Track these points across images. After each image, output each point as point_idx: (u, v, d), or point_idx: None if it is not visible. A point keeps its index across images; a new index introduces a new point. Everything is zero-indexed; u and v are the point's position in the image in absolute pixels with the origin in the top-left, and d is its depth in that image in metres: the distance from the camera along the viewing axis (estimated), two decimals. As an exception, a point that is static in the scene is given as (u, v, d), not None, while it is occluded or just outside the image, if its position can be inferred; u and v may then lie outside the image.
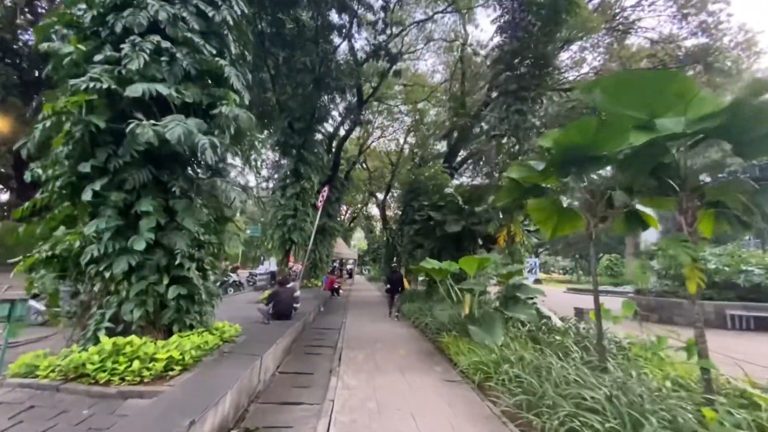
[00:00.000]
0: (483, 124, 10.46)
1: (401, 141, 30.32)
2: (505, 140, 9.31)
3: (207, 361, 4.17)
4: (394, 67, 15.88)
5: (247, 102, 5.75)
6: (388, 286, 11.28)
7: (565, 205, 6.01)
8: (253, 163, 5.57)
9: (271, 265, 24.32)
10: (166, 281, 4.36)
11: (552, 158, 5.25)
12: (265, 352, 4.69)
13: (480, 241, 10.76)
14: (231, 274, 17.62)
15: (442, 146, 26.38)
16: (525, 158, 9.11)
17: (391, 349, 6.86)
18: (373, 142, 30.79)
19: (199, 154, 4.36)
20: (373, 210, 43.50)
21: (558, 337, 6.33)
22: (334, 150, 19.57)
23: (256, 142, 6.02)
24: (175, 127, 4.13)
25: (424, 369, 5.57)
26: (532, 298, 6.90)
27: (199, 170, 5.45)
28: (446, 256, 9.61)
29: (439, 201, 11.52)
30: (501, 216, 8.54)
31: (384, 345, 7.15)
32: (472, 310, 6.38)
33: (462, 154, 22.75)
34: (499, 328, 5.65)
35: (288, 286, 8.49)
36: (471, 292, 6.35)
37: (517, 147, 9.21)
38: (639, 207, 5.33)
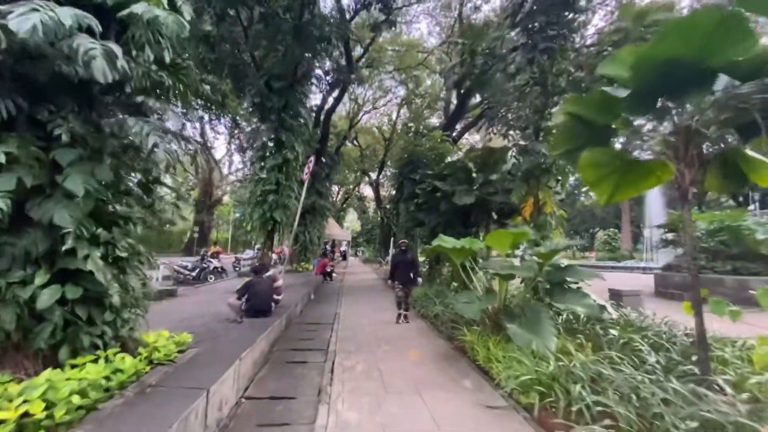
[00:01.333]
0: (510, 67, 8.65)
1: (394, 116, 28.48)
2: (528, 90, 7.60)
3: (107, 409, 2.51)
4: (390, 18, 13.83)
5: (188, 16, 3.96)
6: (394, 276, 7.36)
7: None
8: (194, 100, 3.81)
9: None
10: (40, 279, 2.67)
11: (633, 86, 3.64)
12: (216, 380, 3.09)
13: (494, 215, 9.16)
14: (212, 259, 15.87)
15: (439, 117, 24.66)
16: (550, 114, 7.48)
17: (398, 351, 5.35)
18: (363, 115, 28.84)
19: (81, 65, 2.59)
20: (366, 191, 41.90)
21: (614, 332, 4.87)
22: (322, 121, 17.64)
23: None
24: (27, 14, 2.38)
25: (449, 386, 4.04)
26: (577, 283, 5.38)
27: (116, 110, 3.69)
28: (451, 234, 8.00)
29: (445, 169, 9.83)
30: (528, 183, 6.94)
31: (390, 346, 5.62)
32: (504, 302, 4.85)
33: (458, 127, 20.97)
34: (549, 326, 4.13)
35: (267, 274, 6.85)
36: (505, 278, 4.77)
37: (542, 99, 7.52)
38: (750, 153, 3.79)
